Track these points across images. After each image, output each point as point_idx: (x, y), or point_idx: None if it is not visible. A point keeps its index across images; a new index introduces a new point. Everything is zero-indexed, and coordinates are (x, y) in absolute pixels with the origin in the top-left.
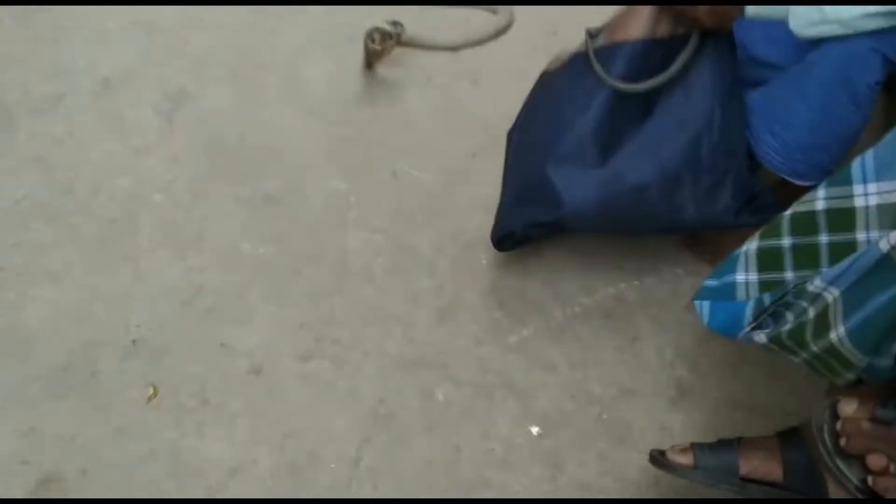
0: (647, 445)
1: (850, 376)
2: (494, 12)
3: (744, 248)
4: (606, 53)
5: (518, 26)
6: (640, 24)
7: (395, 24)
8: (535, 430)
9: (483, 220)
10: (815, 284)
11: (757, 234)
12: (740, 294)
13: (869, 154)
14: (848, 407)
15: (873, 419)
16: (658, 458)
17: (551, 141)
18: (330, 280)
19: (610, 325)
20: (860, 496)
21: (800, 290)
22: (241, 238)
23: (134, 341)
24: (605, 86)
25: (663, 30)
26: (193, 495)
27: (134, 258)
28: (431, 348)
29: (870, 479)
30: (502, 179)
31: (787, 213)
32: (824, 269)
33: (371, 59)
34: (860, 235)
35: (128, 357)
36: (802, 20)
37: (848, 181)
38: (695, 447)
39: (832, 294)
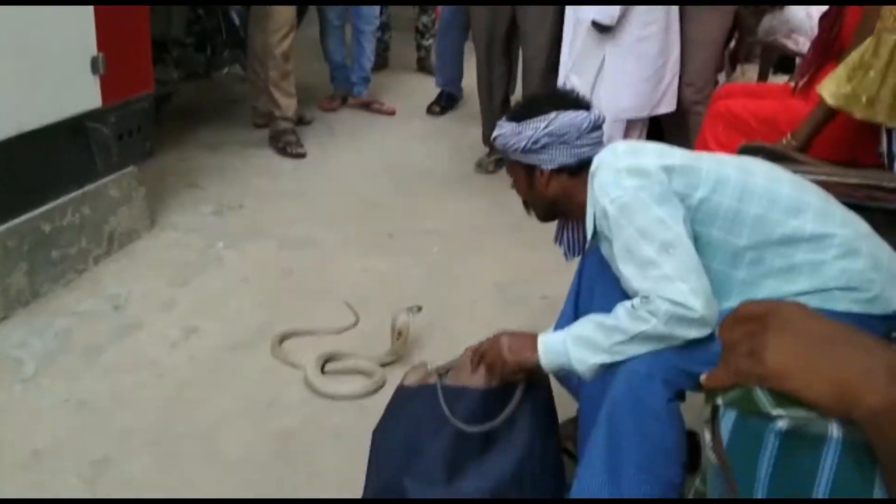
0: None
1: None
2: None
3: None
4: (454, 392)
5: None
6: (478, 374)
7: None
8: None
9: None
10: None
11: None
12: None
13: None
14: None
15: None
16: None
17: (408, 457)
18: None
19: None
20: None
21: None
22: None
23: None
24: (453, 424)
25: (495, 380)
26: None
27: None
28: None
29: None
30: (366, 474)
31: None
32: None
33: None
34: None
35: None
36: (582, 364)
37: None
38: None
39: None
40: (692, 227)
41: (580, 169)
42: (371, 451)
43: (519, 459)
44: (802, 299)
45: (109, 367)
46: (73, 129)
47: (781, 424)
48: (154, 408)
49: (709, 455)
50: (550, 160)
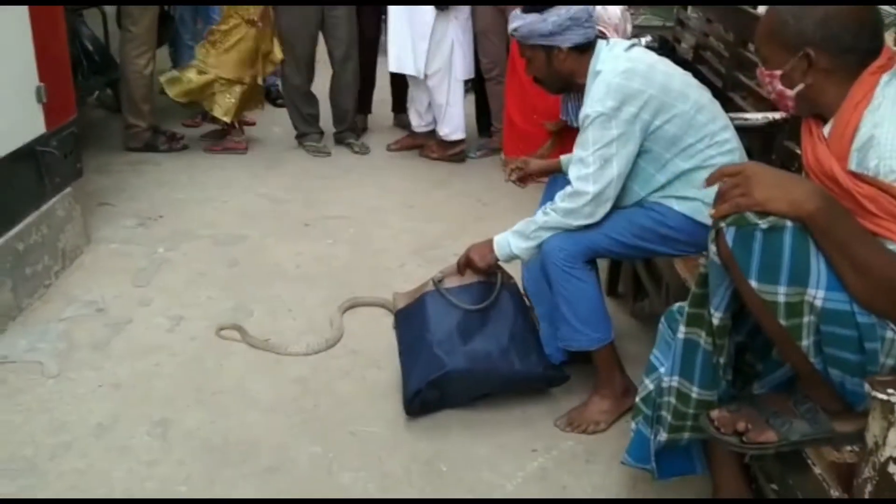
0: None
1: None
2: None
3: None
4: (454, 291)
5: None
6: (466, 277)
7: None
8: None
9: (427, 446)
10: (665, 380)
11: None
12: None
13: None
14: (714, 412)
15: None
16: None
17: (431, 334)
18: None
19: (544, 483)
20: (743, 450)
21: (659, 389)
22: (256, 497)
23: None
24: (459, 308)
25: (481, 277)
26: None
27: None
28: None
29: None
30: (402, 371)
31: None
32: (663, 369)
33: None
34: None
35: None
36: (519, 249)
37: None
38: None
39: (675, 381)
40: (644, 142)
41: (587, 48)
42: (402, 362)
43: (510, 326)
44: (679, 203)
45: (122, 355)
46: (26, 155)
47: (763, 225)
48: (181, 378)
49: (714, 260)
50: (567, 40)
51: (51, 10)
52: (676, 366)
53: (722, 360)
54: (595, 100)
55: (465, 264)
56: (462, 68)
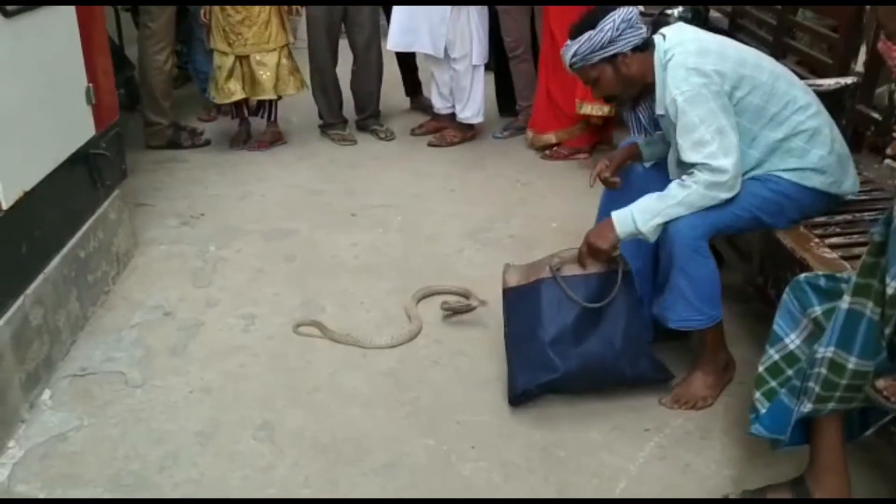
0: None
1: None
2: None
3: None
4: (573, 282)
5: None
6: (588, 267)
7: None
8: None
9: (540, 434)
10: (820, 352)
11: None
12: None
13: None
14: (880, 382)
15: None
16: None
17: (544, 331)
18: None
19: (665, 462)
20: None
21: (811, 361)
22: (382, 494)
23: None
24: (576, 303)
25: (600, 267)
26: None
27: None
28: None
29: None
30: (507, 357)
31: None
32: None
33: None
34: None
35: None
36: (645, 226)
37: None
38: None
39: (830, 351)
40: None
41: (645, 47)
42: (506, 343)
43: (624, 326)
44: (788, 174)
45: (204, 359)
46: (81, 159)
47: None
48: (270, 378)
49: None
50: (627, 43)
51: (93, 9)
52: (834, 336)
53: (887, 331)
54: (678, 81)
55: (588, 253)
56: (479, 53)
